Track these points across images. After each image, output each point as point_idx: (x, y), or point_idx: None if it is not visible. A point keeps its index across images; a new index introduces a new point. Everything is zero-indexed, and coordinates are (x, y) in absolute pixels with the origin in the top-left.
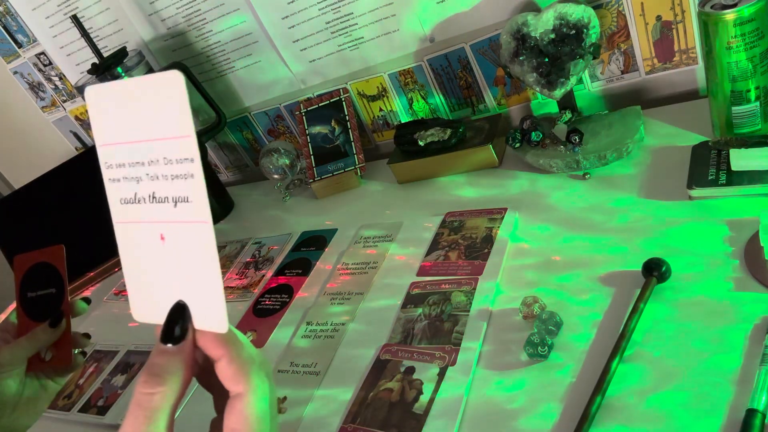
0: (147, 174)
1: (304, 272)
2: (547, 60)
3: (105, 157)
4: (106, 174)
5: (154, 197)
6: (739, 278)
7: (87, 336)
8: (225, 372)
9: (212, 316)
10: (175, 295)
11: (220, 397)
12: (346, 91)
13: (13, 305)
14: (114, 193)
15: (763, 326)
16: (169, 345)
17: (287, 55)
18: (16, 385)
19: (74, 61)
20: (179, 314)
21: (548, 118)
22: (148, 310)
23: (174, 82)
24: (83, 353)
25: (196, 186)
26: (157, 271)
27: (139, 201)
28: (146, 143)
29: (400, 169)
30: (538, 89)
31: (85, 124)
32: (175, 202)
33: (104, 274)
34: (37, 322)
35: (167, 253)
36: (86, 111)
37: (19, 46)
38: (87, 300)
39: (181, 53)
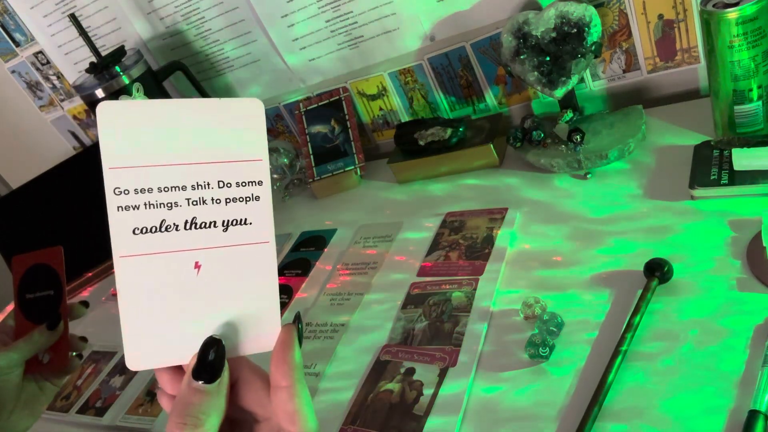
0: (187, 198)
1: (303, 272)
2: (548, 59)
3: (116, 182)
4: (114, 201)
5: (193, 223)
6: (742, 279)
7: (84, 339)
8: (284, 406)
9: (267, 336)
10: (208, 327)
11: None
12: (345, 90)
13: (11, 306)
14: (123, 223)
15: (766, 327)
16: (201, 382)
17: (286, 54)
18: (13, 387)
19: (72, 60)
20: (212, 350)
21: (549, 117)
22: (158, 351)
23: (256, 109)
24: (80, 356)
25: (262, 208)
26: (180, 303)
27: (166, 229)
28: (193, 166)
29: (400, 168)
30: (539, 88)
31: (83, 124)
32: (226, 225)
33: (102, 275)
34: (35, 324)
35: (202, 281)
36: (84, 110)
37: (17, 44)
38: (85, 303)
39: (180, 52)
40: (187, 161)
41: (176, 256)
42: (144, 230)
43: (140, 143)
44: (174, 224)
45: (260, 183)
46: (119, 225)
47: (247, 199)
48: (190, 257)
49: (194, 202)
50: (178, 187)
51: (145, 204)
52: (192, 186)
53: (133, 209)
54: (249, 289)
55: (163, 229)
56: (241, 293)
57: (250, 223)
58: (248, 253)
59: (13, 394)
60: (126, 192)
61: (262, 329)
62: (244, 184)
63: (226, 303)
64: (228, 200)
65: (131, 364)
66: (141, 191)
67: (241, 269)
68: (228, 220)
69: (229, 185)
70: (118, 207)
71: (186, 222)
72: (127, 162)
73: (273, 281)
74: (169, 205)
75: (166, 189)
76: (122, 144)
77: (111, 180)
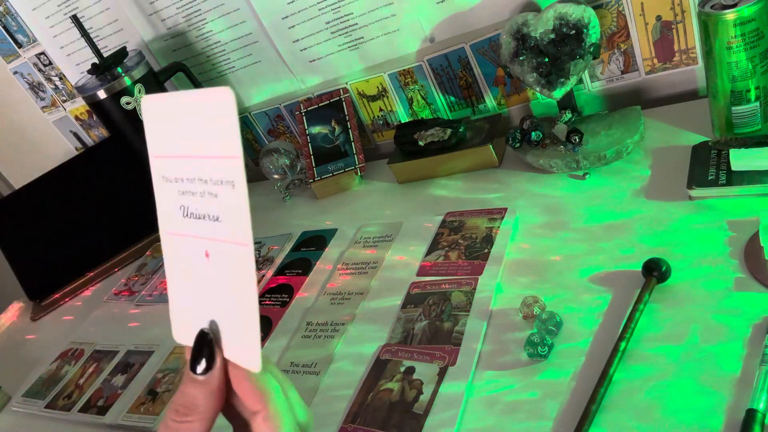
0: (192, 190)
1: (304, 272)
2: (547, 60)
3: (158, 169)
4: (159, 186)
5: (199, 213)
6: (739, 278)
7: None
8: (260, 429)
9: (245, 350)
10: (208, 318)
11: (242, 429)
12: (346, 91)
13: (14, 305)
14: (163, 204)
15: (763, 326)
16: (196, 373)
17: (287, 55)
18: None
19: (74, 61)
20: (203, 344)
21: (548, 118)
22: (186, 330)
23: (224, 98)
24: None
25: (237, 208)
26: (197, 289)
27: (188, 215)
28: (194, 159)
29: (400, 169)
30: (538, 89)
31: (85, 124)
32: (217, 219)
33: (104, 274)
34: None
35: (209, 271)
36: (86, 111)
37: (19, 46)
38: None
39: (182, 53)
40: (191, 154)
41: (192, 241)
42: (173, 213)
43: (165, 134)
44: (190, 211)
45: (233, 184)
46: (161, 205)
47: (227, 196)
48: (201, 245)
49: (200, 194)
50: (188, 178)
51: (175, 191)
52: (195, 178)
53: (168, 193)
54: (234, 293)
55: (186, 214)
56: (229, 295)
57: (230, 222)
58: (232, 252)
59: None
60: (166, 179)
61: (242, 342)
62: (222, 182)
63: (221, 301)
64: (213, 195)
65: (174, 335)
66: (171, 180)
67: (230, 268)
68: (217, 215)
69: (215, 182)
70: (161, 190)
71: (195, 211)
72: (161, 151)
73: (250, 291)
74: (184, 192)
75: (181, 179)
76: (157, 134)
77: (155, 167)
